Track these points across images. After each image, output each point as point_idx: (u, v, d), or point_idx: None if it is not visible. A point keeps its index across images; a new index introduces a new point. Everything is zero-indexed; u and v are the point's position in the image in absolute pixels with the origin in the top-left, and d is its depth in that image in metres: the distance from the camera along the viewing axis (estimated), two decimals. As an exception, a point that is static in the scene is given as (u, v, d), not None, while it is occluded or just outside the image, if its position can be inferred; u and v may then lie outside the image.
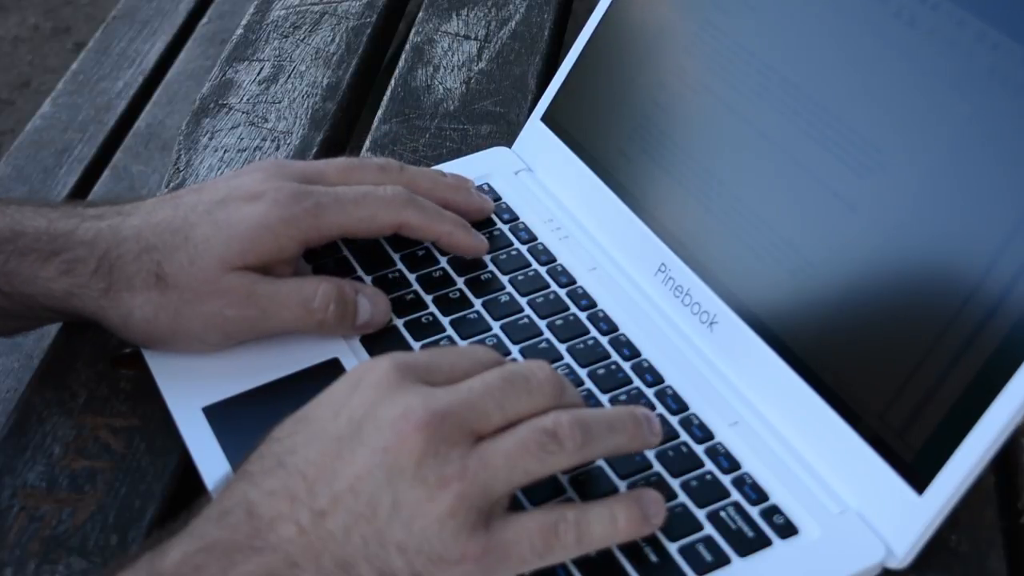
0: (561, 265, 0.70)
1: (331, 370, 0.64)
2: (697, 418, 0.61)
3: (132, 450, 0.63)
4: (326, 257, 0.71)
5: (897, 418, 0.56)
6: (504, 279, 0.69)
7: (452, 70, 0.90)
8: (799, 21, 0.65)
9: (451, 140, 0.83)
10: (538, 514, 0.52)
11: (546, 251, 0.71)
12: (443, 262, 0.70)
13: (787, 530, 0.56)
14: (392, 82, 0.89)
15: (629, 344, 0.65)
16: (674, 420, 0.61)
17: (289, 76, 0.91)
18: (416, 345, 0.65)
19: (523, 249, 0.71)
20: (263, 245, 0.63)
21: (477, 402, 0.51)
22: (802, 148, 0.63)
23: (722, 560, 0.55)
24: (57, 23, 2.35)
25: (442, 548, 0.49)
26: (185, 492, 0.61)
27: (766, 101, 0.65)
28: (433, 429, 0.50)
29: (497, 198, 0.75)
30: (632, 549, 0.55)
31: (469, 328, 0.66)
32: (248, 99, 0.89)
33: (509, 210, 0.74)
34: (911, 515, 0.55)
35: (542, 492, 0.56)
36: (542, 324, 0.66)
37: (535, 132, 0.78)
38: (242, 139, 0.85)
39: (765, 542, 0.55)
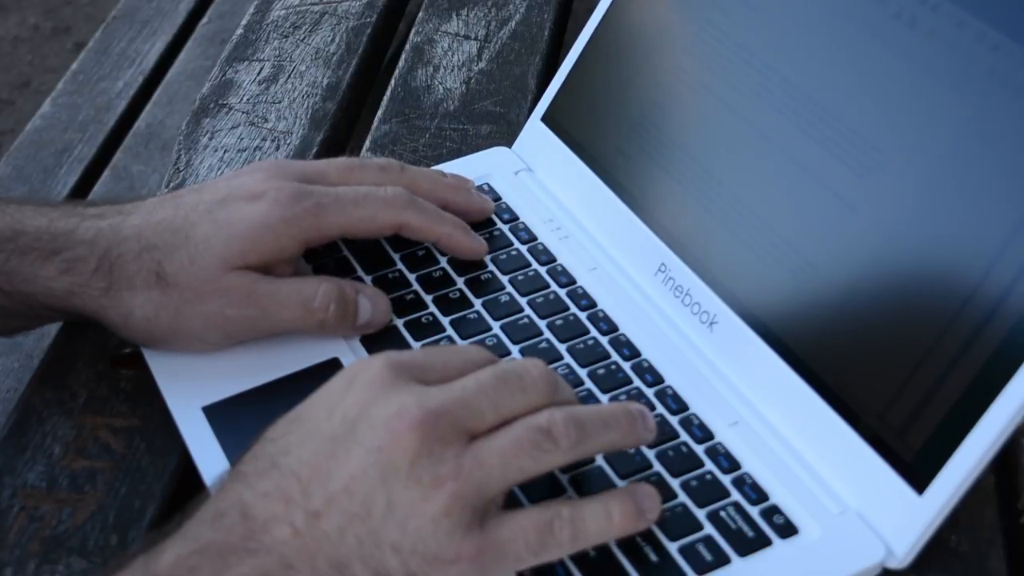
0: (561, 265, 0.70)
1: (331, 370, 0.64)
2: (697, 418, 0.61)
3: (132, 450, 0.63)
4: (326, 257, 0.71)
5: (897, 418, 0.56)
6: (504, 279, 0.69)
7: (452, 70, 0.90)
8: (799, 21, 0.65)
9: (451, 140, 0.83)
10: (533, 512, 0.52)
11: (546, 251, 0.71)
12: (443, 262, 0.70)
13: (787, 530, 0.56)
14: (392, 82, 0.89)
15: (629, 344, 0.65)
16: (674, 420, 0.61)
17: (289, 76, 0.91)
18: (416, 345, 0.65)
19: (523, 249, 0.71)
20: (264, 244, 0.63)
21: (471, 400, 0.51)
22: (802, 148, 0.63)
23: (722, 560, 0.55)
24: (57, 23, 2.35)
25: (437, 548, 0.49)
26: (185, 492, 0.61)
27: (766, 101, 0.65)
28: (427, 428, 0.50)
29: (497, 198, 0.75)
30: (632, 548, 0.55)
31: (469, 328, 0.66)
32: (248, 99, 0.89)
33: (509, 210, 0.74)
34: (911, 515, 0.55)
35: (540, 491, 0.56)
36: (542, 324, 0.66)
37: (535, 132, 0.78)
38: (242, 139, 0.85)
39: (765, 542, 0.55)
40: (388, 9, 1.00)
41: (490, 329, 0.66)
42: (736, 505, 0.57)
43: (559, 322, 0.66)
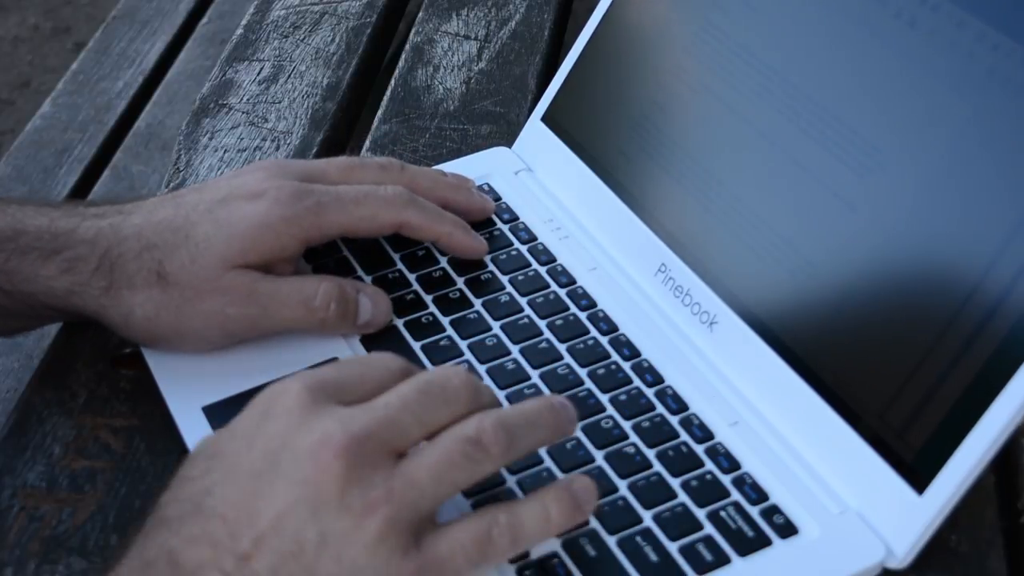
0: (561, 265, 0.70)
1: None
2: (697, 418, 0.61)
3: (132, 450, 0.63)
4: (326, 257, 0.71)
5: (897, 418, 0.56)
6: (504, 279, 0.69)
7: (452, 70, 0.90)
8: (799, 21, 0.65)
9: (451, 140, 0.83)
10: (470, 522, 0.51)
11: (546, 251, 0.71)
12: (443, 262, 0.70)
13: (787, 530, 0.56)
14: (392, 82, 0.89)
15: (629, 344, 0.65)
16: (674, 420, 0.61)
17: (289, 76, 0.91)
18: (416, 345, 0.66)
19: (523, 249, 0.71)
20: (264, 243, 0.63)
21: (395, 418, 0.50)
22: (802, 148, 0.63)
23: (722, 560, 0.55)
24: (57, 23, 2.35)
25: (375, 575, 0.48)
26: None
27: (766, 101, 0.65)
28: (353, 453, 0.48)
29: (497, 198, 0.75)
30: (633, 548, 0.55)
31: (469, 328, 0.66)
32: (248, 99, 0.89)
33: (509, 210, 0.74)
34: (911, 515, 0.55)
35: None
36: (542, 324, 0.66)
37: (535, 132, 0.78)
38: (242, 139, 0.85)
39: (765, 542, 0.55)
40: (388, 9, 1.00)
41: (490, 329, 0.66)
42: (736, 505, 0.57)
43: (559, 322, 0.66)
